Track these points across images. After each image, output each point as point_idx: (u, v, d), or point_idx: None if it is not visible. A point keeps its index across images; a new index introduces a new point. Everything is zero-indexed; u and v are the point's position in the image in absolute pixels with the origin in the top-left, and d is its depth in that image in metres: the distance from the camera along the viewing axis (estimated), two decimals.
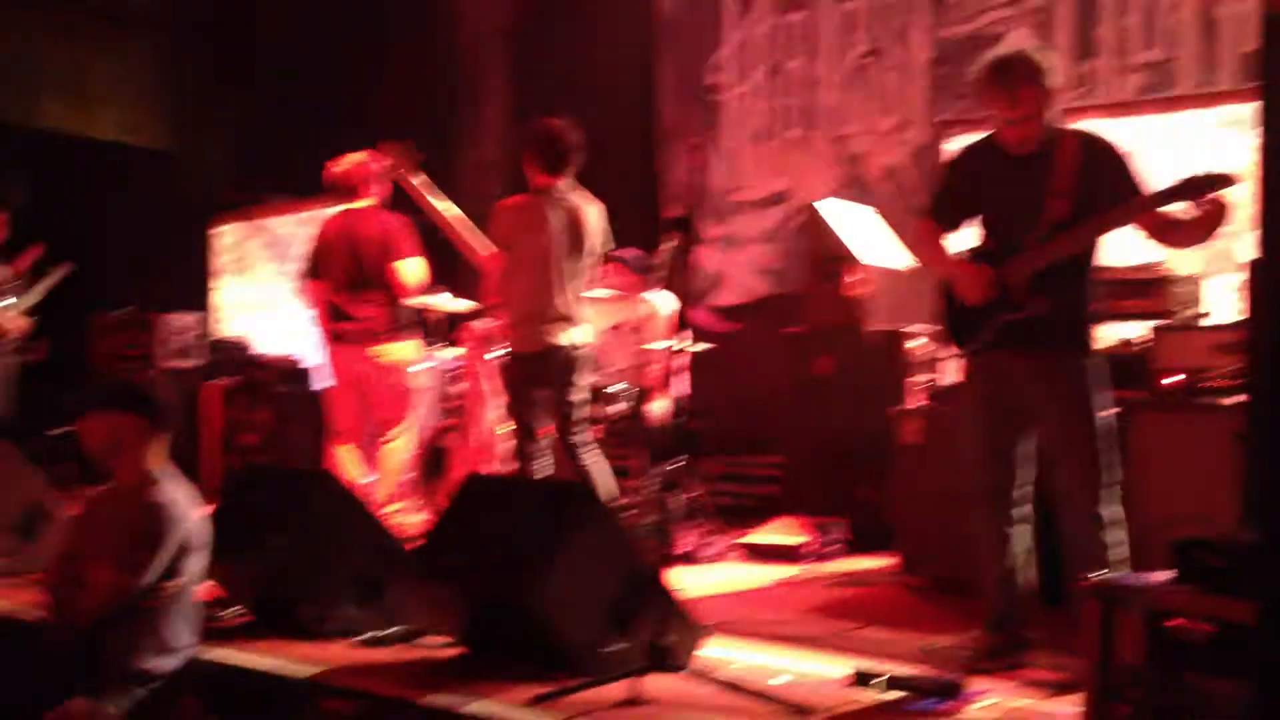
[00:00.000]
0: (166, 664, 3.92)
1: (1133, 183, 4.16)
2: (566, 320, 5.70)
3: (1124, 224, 4.16)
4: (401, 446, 6.51)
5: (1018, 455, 4.33)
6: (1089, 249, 4.23)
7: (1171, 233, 4.15)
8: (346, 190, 6.52)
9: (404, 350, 6.49)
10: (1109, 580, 3.43)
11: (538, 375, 5.72)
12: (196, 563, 4.00)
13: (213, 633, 4.34)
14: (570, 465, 5.76)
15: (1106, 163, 4.20)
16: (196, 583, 4.03)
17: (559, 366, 5.70)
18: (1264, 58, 3.12)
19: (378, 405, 6.44)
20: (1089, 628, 3.36)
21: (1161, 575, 3.35)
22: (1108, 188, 4.13)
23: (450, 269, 6.75)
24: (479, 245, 5.83)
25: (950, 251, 4.45)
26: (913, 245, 4.66)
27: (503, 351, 6.68)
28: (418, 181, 5.95)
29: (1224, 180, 3.90)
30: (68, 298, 8.43)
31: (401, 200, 6.40)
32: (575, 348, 5.73)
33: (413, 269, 6.36)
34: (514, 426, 5.85)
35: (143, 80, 11.90)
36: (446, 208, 5.94)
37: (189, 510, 3.99)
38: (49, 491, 5.81)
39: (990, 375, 4.36)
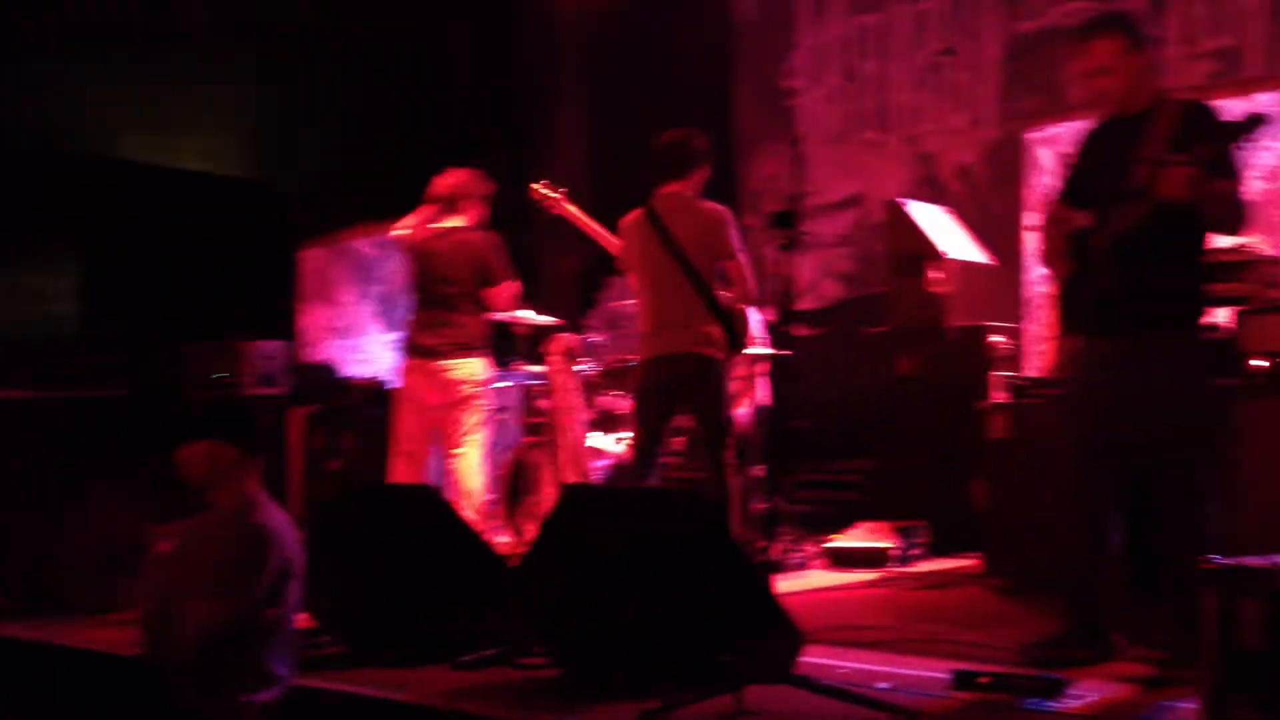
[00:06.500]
0: (268, 695, 3.86)
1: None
2: (708, 329, 5.57)
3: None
4: (473, 463, 6.38)
5: (1115, 443, 4.18)
6: (1180, 220, 3.93)
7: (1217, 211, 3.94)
8: (449, 203, 6.43)
9: (474, 366, 6.39)
10: (1228, 565, 3.27)
11: (673, 384, 5.60)
12: (296, 589, 3.95)
13: (308, 662, 4.26)
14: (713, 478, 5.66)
15: (1199, 126, 3.98)
16: (296, 610, 3.99)
17: (702, 376, 5.55)
18: None
19: (447, 422, 6.35)
20: (1207, 615, 3.25)
21: None
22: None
23: (533, 284, 6.76)
24: None
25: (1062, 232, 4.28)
26: (1041, 228, 4.45)
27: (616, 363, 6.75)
28: (572, 209, 6.18)
29: (1257, 121, 3.74)
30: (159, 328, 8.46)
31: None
32: (717, 359, 5.58)
33: (511, 292, 6.35)
34: (643, 435, 5.71)
35: (226, 109, 12.05)
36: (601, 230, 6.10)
37: (290, 534, 3.96)
38: (140, 524, 5.76)
39: (1085, 360, 4.24)
